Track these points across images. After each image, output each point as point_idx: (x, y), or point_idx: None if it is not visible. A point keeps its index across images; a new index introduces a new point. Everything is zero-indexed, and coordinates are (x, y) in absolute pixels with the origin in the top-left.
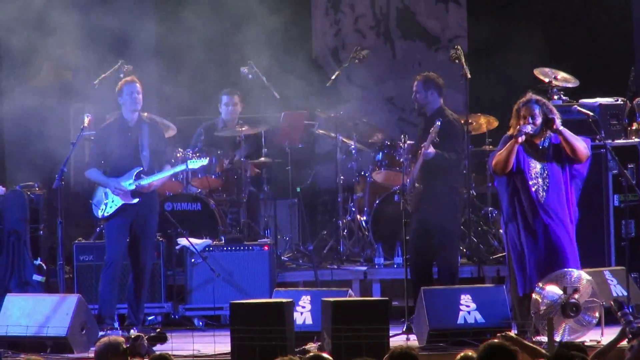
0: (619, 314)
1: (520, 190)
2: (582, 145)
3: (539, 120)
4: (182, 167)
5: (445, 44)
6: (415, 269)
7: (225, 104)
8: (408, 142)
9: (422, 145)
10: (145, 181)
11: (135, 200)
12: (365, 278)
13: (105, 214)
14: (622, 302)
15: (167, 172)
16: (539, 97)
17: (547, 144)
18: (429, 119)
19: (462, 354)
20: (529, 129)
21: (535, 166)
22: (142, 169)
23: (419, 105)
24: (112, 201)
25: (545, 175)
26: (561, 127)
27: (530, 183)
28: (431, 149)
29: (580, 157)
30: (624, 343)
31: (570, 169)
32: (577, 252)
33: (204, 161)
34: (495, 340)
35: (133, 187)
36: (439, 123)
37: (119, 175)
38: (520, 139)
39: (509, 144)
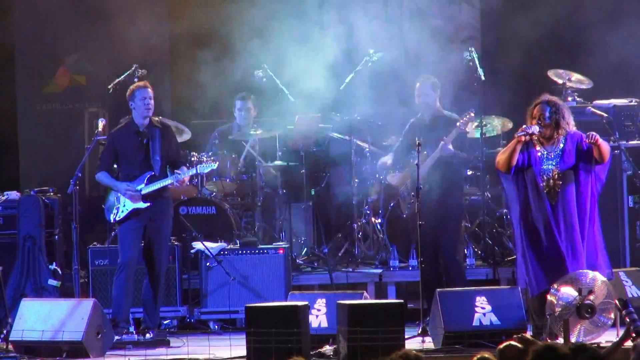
0: (623, 312)
1: (533, 192)
2: (607, 147)
3: (547, 122)
4: (192, 172)
5: (458, 45)
6: (427, 271)
7: (239, 109)
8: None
9: (441, 140)
10: (150, 188)
11: (146, 205)
12: (381, 280)
13: (117, 218)
14: (626, 301)
15: (177, 177)
16: (552, 99)
17: (560, 147)
18: (434, 119)
19: (478, 355)
20: (535, 129)
21: (548, 168)
22: (153, 173)
23: (427, 108)
24: (124, 205)
25: (557, 177)
26: (600, 141)
27: (542, 185)
28: (450, 146)
29: (605, 158)
30: (630, 342)
31: (587, 172)
32: (596, 255)
33: (214, 165)
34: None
35: (146, 190)
36: (472, 114)
37: (130, 179)
38: (523, 138)
39: (511, 142)
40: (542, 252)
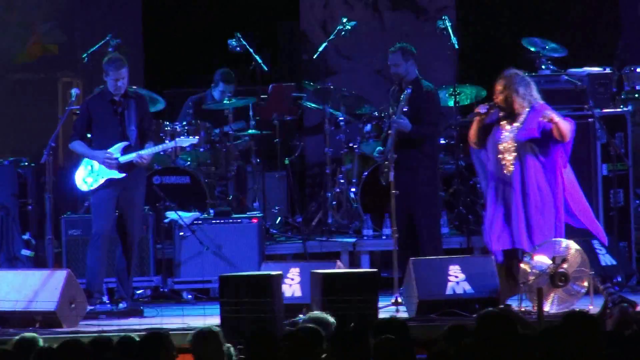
0: (601, 287)
1: (494, 164)
2: (567, 127)
3: (498, 98)
4: (171, 145)
5: (433, 14)
6: (400, 240)
7: (222, 91)
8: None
9: (392, 115)
10: (126, 158)
11: (121, 175)
12: (354, 250)
13: (91, 188)
14: (604, 277)
15: (156, 149)
16: (508, 74)
17: (522, 118)
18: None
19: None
20: (483, 109)
21: (504, 138)
22: (129, 143)
23: (399, 79)
24: (98, 174)
25: (512, 149)
26: (557, 119)
27: (499, 157)
28: (403, 120)
29: (565, 138)
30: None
31: (549, 147)
32: (552, 227)
33: (194, 140)
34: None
35: (122, 160)
36: (409, 91)
37: (104, 149)
38: (478, 117)
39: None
40: (494, 218)
